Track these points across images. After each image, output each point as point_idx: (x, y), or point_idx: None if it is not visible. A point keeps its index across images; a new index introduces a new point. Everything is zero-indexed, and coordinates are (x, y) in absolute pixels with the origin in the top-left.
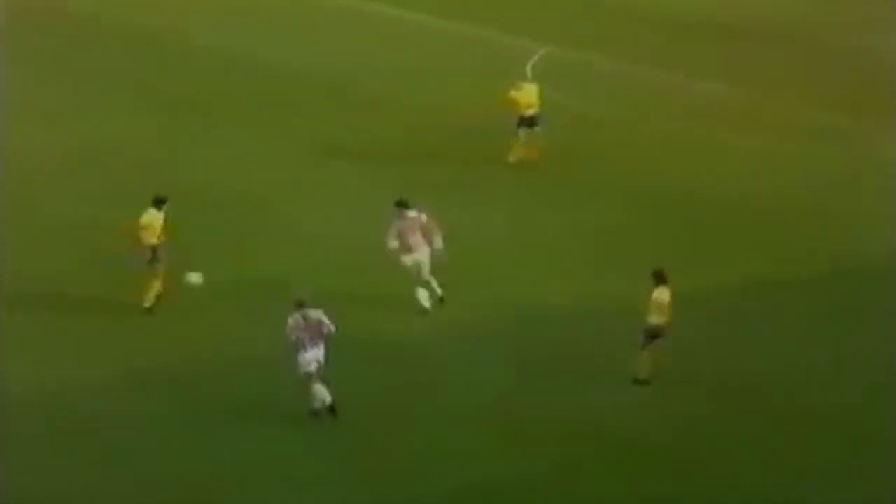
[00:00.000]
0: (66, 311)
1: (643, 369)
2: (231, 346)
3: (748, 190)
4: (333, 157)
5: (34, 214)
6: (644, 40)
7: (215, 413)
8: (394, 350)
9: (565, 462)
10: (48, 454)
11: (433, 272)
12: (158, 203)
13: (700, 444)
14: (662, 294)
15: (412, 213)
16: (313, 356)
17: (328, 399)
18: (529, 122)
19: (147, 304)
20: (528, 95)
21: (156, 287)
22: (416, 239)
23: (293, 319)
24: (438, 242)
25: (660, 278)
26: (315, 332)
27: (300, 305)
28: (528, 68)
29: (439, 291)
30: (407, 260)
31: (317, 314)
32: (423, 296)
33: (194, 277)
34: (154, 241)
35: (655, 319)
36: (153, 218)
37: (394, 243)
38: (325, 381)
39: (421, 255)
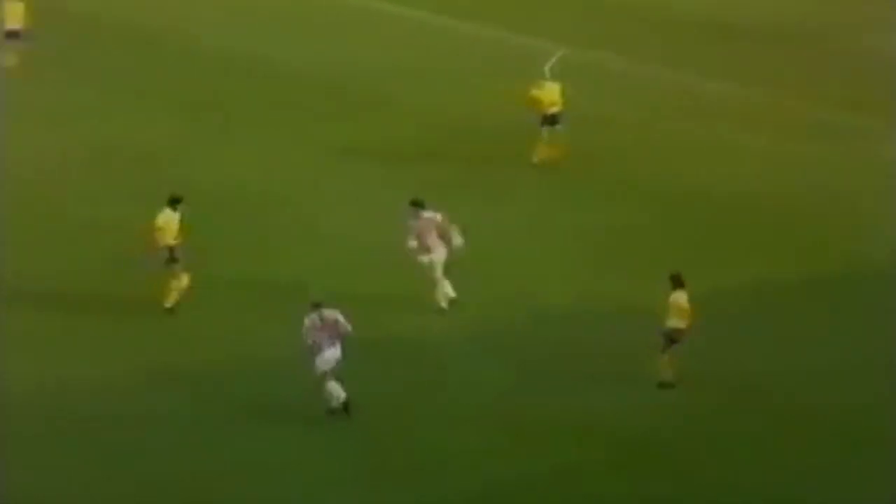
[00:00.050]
0: (87, 311)
1: (666, 372)
2: (249, 346)
3: (761, 190)
4: (348, 158)
5: (54, 215)
6: (654, 40)
7: (233, 412)
8: (409, 349)
9: (580, 461)
10: (69, 453)
11: (449, 272)
12: (173, 203)
13: (718, 445)
14: (680, 298)
15: (428, 214)
16: (331, 355)
17: (342, 396)
18: (552, 120)
19: (168, 305)
20: (550, 94)
21: (175, 287)
22: (433, 239)
23: (309, 320)
24: (458, 239)
25: (677, 282)
26: (332, 332)
27: (316, 306)
28: (547, 69)
29: (452, 294)
30: (424, 259)
31: (333, 314)
32: (440, 295)
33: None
34: (171, 241)
35: (675, 323)
36: (168, 218)
37: (413, 243)
38: (340, 380)
39: (437, 256)
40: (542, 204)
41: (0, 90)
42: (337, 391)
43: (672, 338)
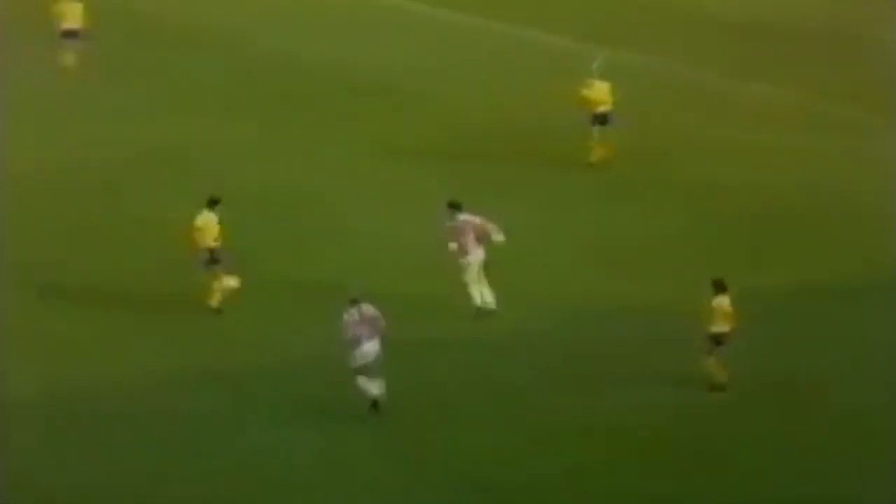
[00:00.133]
0: (132, 309)
1: (716, 374)
2: (289, 346)
3: (803, 192)
4: (388, 158)
5: (103, 213)
6: (689, 40)
7: (275, 411)
8: (446, 350)
9: (611, 459)
10: (116, 451)
11: (488, 272)
12: (212, 204)
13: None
14: (723, 302)
15: (465, 216)
16: (370, 349)
17: (376, 391)
18: (602, 119)
19: (214, 304)
20: (600, 93)
21: (217, 288)
22: (470, 241)
23: (348, 315)
24: (499, 236)
25: (719, 287)
26: (371, 327)
27: (354, 302)
28: (594, 67)
29: (492, 301)
30: (464, 262)
31: (372, 309)
32: (476, 296)
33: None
34: (211, 243)
35: (719, 327)
36: (207, 220)
37: (453, 244)
38: (380, 377)
39: (473, 258)
40: (589, 204)
41: (57, 89)
42: (371, 385)
43: (717, 341)
